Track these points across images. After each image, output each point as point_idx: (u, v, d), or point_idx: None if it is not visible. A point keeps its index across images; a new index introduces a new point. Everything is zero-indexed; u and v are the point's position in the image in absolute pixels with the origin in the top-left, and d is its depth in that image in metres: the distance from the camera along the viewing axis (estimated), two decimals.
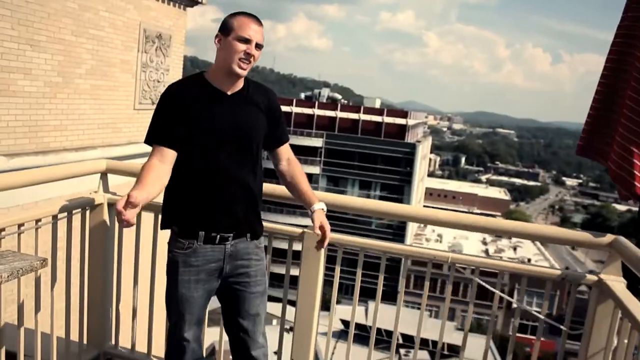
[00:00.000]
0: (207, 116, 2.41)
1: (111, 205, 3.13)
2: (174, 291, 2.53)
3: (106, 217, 3.14)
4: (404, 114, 52.26)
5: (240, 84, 2.51)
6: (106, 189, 3.15)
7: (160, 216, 2.61)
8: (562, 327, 2.71)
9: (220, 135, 2.43)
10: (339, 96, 61.18)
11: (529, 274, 2.72)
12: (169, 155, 2.40)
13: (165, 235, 2.63)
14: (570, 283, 2.71)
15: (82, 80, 8.49)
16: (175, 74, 11.00)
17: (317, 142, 49.45)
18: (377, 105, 56.54)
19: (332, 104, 52.76)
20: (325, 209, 2.68)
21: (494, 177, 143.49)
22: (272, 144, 2.69)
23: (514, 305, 2.98)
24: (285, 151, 2.73)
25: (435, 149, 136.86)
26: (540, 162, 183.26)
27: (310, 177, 49.24)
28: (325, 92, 59.02)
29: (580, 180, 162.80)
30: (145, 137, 2.45)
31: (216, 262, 2.51)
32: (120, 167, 3.16)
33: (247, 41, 2.39)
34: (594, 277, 2.65)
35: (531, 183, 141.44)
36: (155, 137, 2.42)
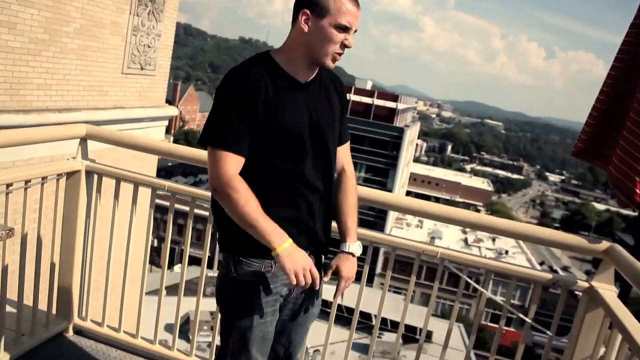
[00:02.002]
0: (288, 113, 1.97)
1: (89, 172, 2.99)
2: (247, 329, 2.03)
3: (83, 185, 2.99)
4: (394, 98, 52.17)
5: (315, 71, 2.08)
6: (85, 156, 3.00)
7: (208, 229, 2.28)
8: (548, 332, 2.64)
9: (302, 136, 2.00)
10: None
11: (519, 275, 2.63)
12: (240, 163, 1.94)
13: (143, 206, 2.50)
14: (559, 288, 2.62)
15: (69, 39, 8.23)
16: (167, 40, 10.75)
17: None
18: (369, 87, 56.33)
19: None
20: (358, 253, 2.19)
21: (479, 167, 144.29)
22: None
23: (495, 300, 2.94)
24: (343, 155, 2.28)
25: (422, 134, 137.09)
26: (525, 156, 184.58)
27: None
28: None
29: (563, 177, 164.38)
30: (209, 138, 1.94)
31: (289, 285, 2.06)
32: (100, 133, 2.99)
33: (346, 29, 1.95)
34: (585, 284, 2.57)
35: (515, 176, 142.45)
36: (232, 142, 1.91)
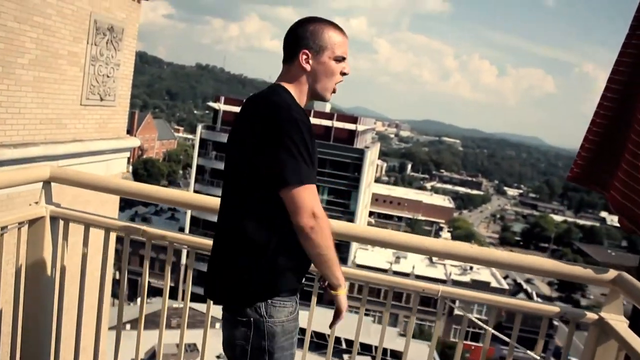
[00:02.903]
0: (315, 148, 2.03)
1: (54, 218, 2.73)
2: None
3: (48, 232, 2.72)
4: (353, 120, 52.35)
5: None
6: (49, 200, 2.74)
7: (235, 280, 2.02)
8: None
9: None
10: None
11: (525, 310, 2.48)
12: None
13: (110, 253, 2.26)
14: (568, 321, 2.48)
15: (24, 71, 7.90)
16: (127, 69, 10.47)
17: None
18: (327, 109, 56.41)
19: None
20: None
21: (439, 185, 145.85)
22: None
23: (508, 341, 2.74)
24: None
25: (382, 155, 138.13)
26: (483, 172, 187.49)
27: None
28: None
29: (521, 191, 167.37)
30: (298, 177, 1.89)
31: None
32: (66, 175, 2.72)
33: (343, 60, 2.11)
34: (594, 315, 2.45)
35: (474, 192, 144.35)
36: (313, 175, 1.96)
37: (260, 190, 1.94)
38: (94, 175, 2.79)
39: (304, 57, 2.06)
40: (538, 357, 2.48)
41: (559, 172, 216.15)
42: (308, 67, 2.06)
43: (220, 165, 47.80)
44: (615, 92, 2.41)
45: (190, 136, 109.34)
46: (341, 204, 48.76)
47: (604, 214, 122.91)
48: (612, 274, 2.40)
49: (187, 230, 46.16)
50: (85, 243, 2.72)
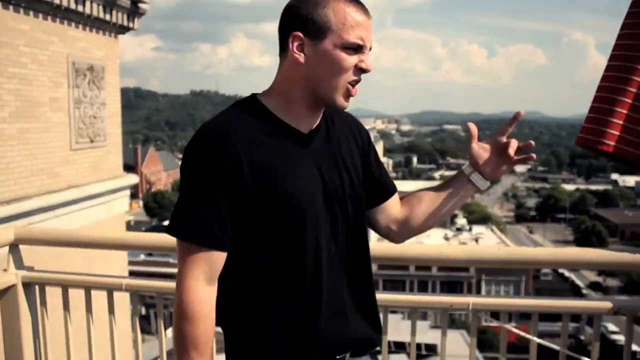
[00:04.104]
0: (289, 176, 1.45)
1: (28, 284, 2.42)
2: None
3: (23, 302, 2.40)
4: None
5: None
6: (19, 265, 2.43)
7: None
8: None
9: (313, 204, 1.47)
10: None
11: (572, 311, 2.16)
12: (220, 262, 1.46)
13: (102, 323, 1.96)
14: (624, 315, 2.16)
15: (6, 125, 7.66)
16: (113, 106, 10.23)
17: None
18: None
19: None
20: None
21: (447, 173, 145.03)
22: (377, 198, 1.71)
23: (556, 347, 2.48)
24: (394, 204, 1.75)
25: (386, 152, 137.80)
26: None
27: None
28: None
29: (529, 166, 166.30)
30: (176, 228, 1.45)
31: None
32: (33, 235, 2.43)
33: (359, 48, 1.44)
34: None
35: None
36: (201, 232, 1.42)
37: None
38: (62, 231, 2.53)
39: (296, 42, 1.44)
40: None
41: (563, 141, 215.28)
42: (301, 58, 1.44)
43: None
44: (620, 58, 2.11)
45: None
46: None
47: (615, 176, 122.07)
48: None
49: None
50: (66, 306, 2.41)
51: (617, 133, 2.05)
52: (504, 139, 1.72)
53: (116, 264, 9.60)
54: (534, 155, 1.74)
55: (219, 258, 1.44)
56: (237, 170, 1.40)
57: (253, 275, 1.48)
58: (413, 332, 2.23)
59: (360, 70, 1.46)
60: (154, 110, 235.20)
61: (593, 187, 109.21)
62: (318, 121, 1.55)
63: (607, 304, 2.13)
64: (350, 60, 1.43)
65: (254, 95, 1.54)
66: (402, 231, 1.75)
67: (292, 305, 1.48)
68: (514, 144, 1.69)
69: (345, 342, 1.54)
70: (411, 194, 1.78)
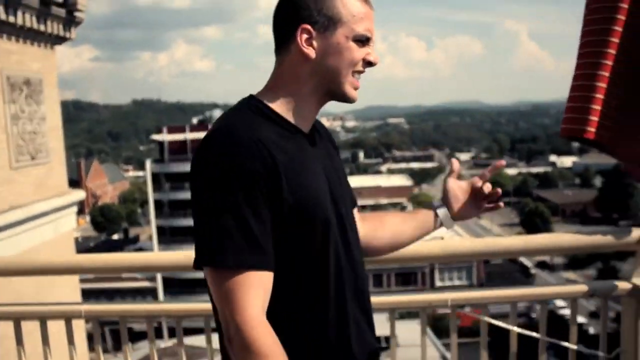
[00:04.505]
0: (313, 183, 1.37)
1: None
2: None
3: None
4: None
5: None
6: None
7: None
8: (599, 353, 2.17)
9: (330, 210, 1.39)
10: None
11: (550, 296, 2.15)
12: (271, 283, 1.30)
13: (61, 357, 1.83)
14: (599, 297, 2.16)
15: None
16: (54, 121, 9.87)
17: None
18: None
19: None
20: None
21: (394, 166, 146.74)
22: None
23: (537, 336, 2.49)
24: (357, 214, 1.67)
25: None
26: (433, 144, 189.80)
27: None
28: (217, 113, 57.27)
29: (472, 154, 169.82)
30: (217, 257, 1.25)
31: None
32: None
33: (367, 40, 1.39)
34: (626, 285, 2.13)
35: (428, 165, 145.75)
36: (253, 254, 1.25)
37: None
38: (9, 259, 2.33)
39: (305, 36, 1.36)
40: (575, 347, 2.15)
41: (503, 128, 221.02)
42: (311, 53, 1.36)
43: (178, 196, 46.88)
44: (590, 44, 2.09)
45: (140, 173, 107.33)
46: None
47: (553, 157, 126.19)
48: (637, 232, 2.09)
49: (160, 292, 44.54)
50: (19, 341, 2.24)
51: (597, 119, 2.04)
52: (480, 184, 1.73)
53: (67, 284, 9.29)
54: (502, 204, 1.78)
55: (271, 281, 1.29)
56: (275, 177, 1.27)
57: (282, 289, 1.32)
58: (392, 334, 2.18)
59: (367, 63, 1.42)
60: (96, 122, 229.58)
61: (534, 170, 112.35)
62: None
63: (583, 288, 2.13)
64: (360, 52, 1.39)
65: (254, 96, 1.43)
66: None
67: (322, 319, 1.37)
68: (486, 187, 1.72)
69: (372, 352, 1.49)
70: (376, 215, 1.76)
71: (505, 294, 2.12)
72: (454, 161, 1.78)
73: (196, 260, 1.29)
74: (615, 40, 2.00)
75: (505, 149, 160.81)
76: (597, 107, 2.03)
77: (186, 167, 46.27)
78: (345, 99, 1.43)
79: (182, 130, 49.18)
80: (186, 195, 47.23)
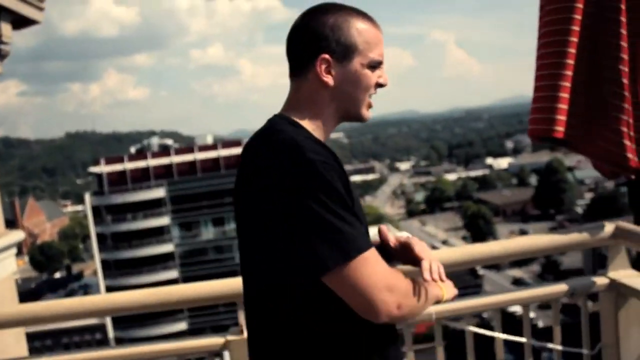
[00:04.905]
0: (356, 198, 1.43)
1: None
2: None
3: None
4: (238, 143, 51.78)
5: None
6: None
7: None
8: (583, 351, 2.17)
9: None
10: (170, 142, 59.14)
11: (531, 300, 2.15)
12: None
13: None
14: (578, 296, 2.17)
15: None
16: None
17: (159, 193, 47.33)
18: (210, 141, 55.53)
19: (164, 151, 50.85)
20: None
21: None
22: None
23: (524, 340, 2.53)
24: None
25: None
26: (373, 156, 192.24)
27: (162, 229, 47.10)
28: (155, 141, 56.67)
29: (412, 162, 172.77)
30: (346, 250, 1.29)
31: None
32: None
33: (379, 64, 1.49)
34: (603, 280, 2.15)
35: (370, 177, 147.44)
36: (363, 238, 1.33)
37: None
38: None
39: (324, 65, 1.43)
40: (560, 347, 2.15)
41: (439, 135, 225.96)
42: (330, 81, 1.44)
43: (120, 227, 45.82)
44: (552, 45, 2.12)
45: (80, 207, 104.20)
46: None
47: (489, 160, 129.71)
48: (610, 227, 2.12)
49: (110, 329, 43.32)
50: None
51: (564, 118, 2.06)
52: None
53: (11, 331, 8.83)
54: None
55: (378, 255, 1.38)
56: (347, 184, 1.35)
57: (333, 302, 1.35)
58: None
59: (378, 86, 1.51)
60: (28, 158, 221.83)
61: (473, 174, 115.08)
62: None
63: (563, 288, 2.14)
64: (374, 78, 1.49)
65: (287, 117, 1.48)
66: None
67: (372, 332, 1.42)
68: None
69: None
70: None
71: (487, 302, 2.10)
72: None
73: (320, 267, 1.30)
74: (575, 39, 2.03)
75: (443, 156, 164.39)
76: (564, 106, 2.05)
77: (127, 197, 44.36)
78: (360, 119, 1.53)
79: (120, 160, 48.22)
80: (130, 226, 45.52)
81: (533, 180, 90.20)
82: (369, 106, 1.52)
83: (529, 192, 79.79)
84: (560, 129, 2.05)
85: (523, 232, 65.67)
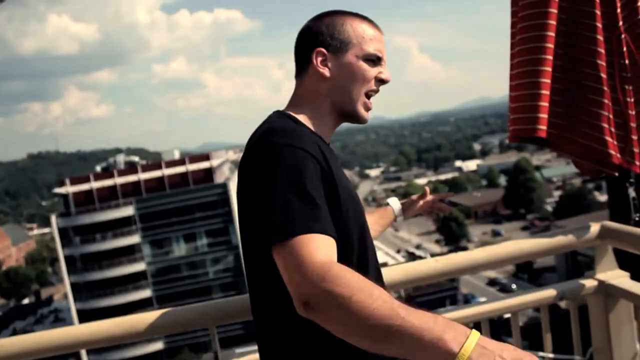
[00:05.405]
0: (348, 187, 1.44)
1: None
2: None
3: None
4: (205, 157, 51.41)
5: None
6: None
7: None
8: (576, 357, 2.09)
9: (362, 213, 1.49)
10: (136, 158, 58.37)
11: (520, 307, 2.06)
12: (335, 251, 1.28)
13: None
14: (568, 299, 2.09)
15: None
16: None
17: (128, 211, 46.58)
18: (177, 156, 55.06)
19: (131, 168, 50.16)
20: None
21: None
22: None
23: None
24: None
25: None
26: (342, 164, 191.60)
27: (132, 248, 46.37)
28: (121, 159, 55.81)
29: (381, 168, 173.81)
30: (289, 228, 1.22)
31: None
32: None
33: (378, 60, 1.53)
34: (592, 282, 2.07)
35: None
36: (314, 222, 1.24)
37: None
38: None
39: (320, 58, 1.51)
40: (552, 355, 2.07)
41: (407, 140, 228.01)
42: (326, 72, 1.50)
43: (90, 248, 45.00)
44: (526, 41, 2.04)
45: (46, 230, 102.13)
46: (223, 241, 47.66)
47: (458, 163, 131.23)
48: (595, 227, 2.05)
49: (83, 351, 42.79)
50: None
51: (546, 116, 1.98)
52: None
53: None
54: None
55: (331, 243, 1.24)
56: (328, 166, 1.35)
57: None
58: None
59: (380, 82, 1.55)
60: None
61: (442, 177, 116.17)
62: None
63: (552, 293, 2.06)
64: (372, 71, 1.52)
65: (283, 112, 1.54)
66: None
67: None
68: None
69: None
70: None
71: (475, 311, 2.01)
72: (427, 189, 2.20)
73: (264, 240, 1.25)
74: (552, 34, 1.96)
75: (412, 160, 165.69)
76: (545, 103, 1.97)
77: (95, 217, 43.64)
78: (357, 118, 1.56)
79: (86, 180, 47.31)
80: (99, 246, 44.91)
81: (502, 180, 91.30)
82: (367, 107, 1.55)
83: (499, 193, 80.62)
84: (543, 127, 1.97)
85: (496, 233, 66.44)
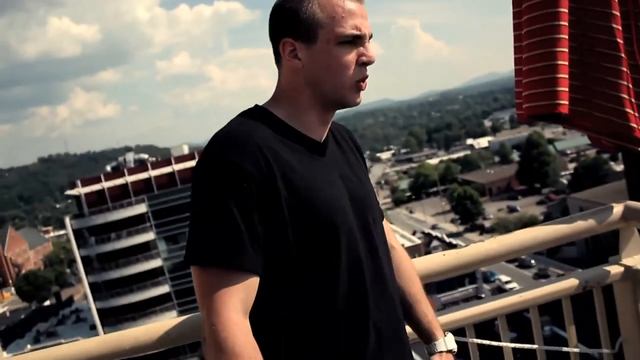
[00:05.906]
0: (319, 188, 1.29)
1: None
2: None
3: None
4: None
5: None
6: None
7: None
8: (604, 351, 1.92)
9: (346, 217, 1.31)
10: (145, 156, 58.39)
11: (540, 301, 1.88)
12: (255, 290, 1.24)
13: None
14: (592, 287, 1.91)
15: None
16: None
17: (141, 209, 46.72)
18: (186, 151, 54.99)
19: (141, 166, 50.23)
20: (455, 349, 1.55)
21: None
22: None
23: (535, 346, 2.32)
24: (385, 230, 1.54)
25: None
26: None
27: (148, 245, 46.55)
28: (131, 157, 55.86)
29: (392, 151, 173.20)
30: (198, 255, 1.24)
31: None
32: None
33: (357, 39, 1.31)
34: (618, 269, 1.89)
35: None
36: (234, 253, 1.21)
37: None
38: None
39: (288, 49, 1.32)
40: (577, 350, 1.89)
41: (416, 121, 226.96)
42: (297, 64, 1.31)
43: (105, 248, 45.25)
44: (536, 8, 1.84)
45: (62, 232, 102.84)
46: None
47: (469, 140, 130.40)
48: (618, 208, 1.87)
49: (99, 327, 43.31)
50: None
51: (567, 90, 1.77)
52: None
53: None
54: None
55: (255, 285, 1.24)
56: (269, 176, 1.23)
57: (285, 306, 1.27)
58: None
59: (362, 65, 1.33)
60: (2, 187, 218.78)
61: (454, 156, 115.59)
62: (328, 129, 1.42)
63: (574, 282, 1.87)
64: (350, 56, 1.31)
65: (259, 106, 1.39)
66: None
67: (337, 337, 1.28)
68: None
69: None
70: (401, 273, 1.56)
71: (495, 306, 1.83)
72: None
73: (184, 258, 1.27)
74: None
75: (423, 141, 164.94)
76: (564, 75, 1.76)
77: (108, 216, 44.14)
78: (343, 104, 1.37)
79: (97, 180, 47.50)
80: (115, 245, 45.43)
81: (515, 156, 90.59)
82: (358, 88, 1.34)
83: (513, 169, 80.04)
84: (564, 102, 1.76)
85: (511, 209, 66.01)
